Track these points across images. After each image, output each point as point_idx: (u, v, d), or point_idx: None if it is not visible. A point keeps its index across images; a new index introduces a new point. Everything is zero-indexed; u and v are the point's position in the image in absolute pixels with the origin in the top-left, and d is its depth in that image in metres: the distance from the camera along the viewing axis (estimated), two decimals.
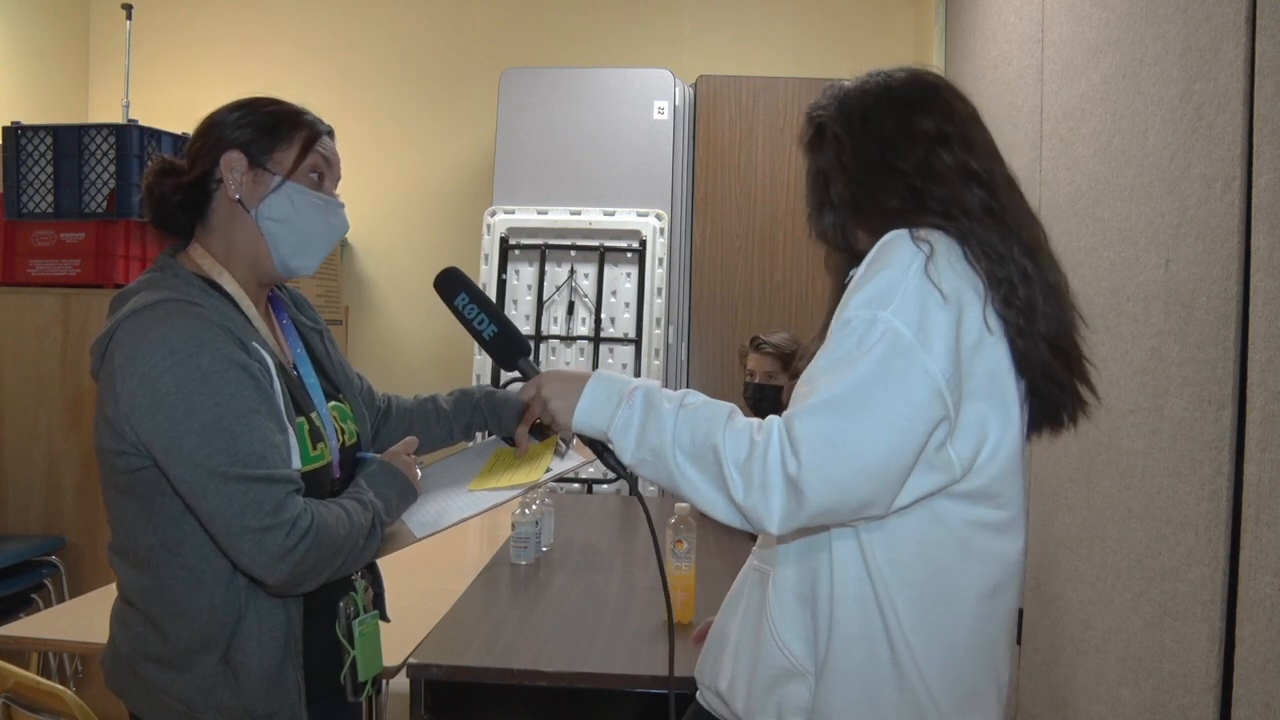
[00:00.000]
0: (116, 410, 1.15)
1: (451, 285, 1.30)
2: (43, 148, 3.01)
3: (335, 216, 1.32)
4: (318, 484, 1.25)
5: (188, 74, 4.29)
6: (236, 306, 1.25)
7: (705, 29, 4.26)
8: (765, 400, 2.73)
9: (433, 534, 1.35)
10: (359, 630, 1.33)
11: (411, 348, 4.33)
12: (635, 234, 3.62)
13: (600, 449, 1.20)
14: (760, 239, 3.77)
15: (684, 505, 1.88)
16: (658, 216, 3.63)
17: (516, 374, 1.30)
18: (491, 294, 3.60)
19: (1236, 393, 1.47)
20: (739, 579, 1.26)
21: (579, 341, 3.64)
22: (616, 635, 1.79)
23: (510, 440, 1.48)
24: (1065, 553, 2.15)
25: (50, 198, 3.01)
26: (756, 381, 2.77)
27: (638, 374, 3.54)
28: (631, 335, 3.61)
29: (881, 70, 1.20)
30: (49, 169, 3.01)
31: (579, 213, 3.66)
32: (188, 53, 4.34)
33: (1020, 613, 2.21)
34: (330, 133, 1.34)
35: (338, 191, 1.34)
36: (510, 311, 3.64)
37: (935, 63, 3.55)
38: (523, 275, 3.68)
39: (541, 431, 1.46)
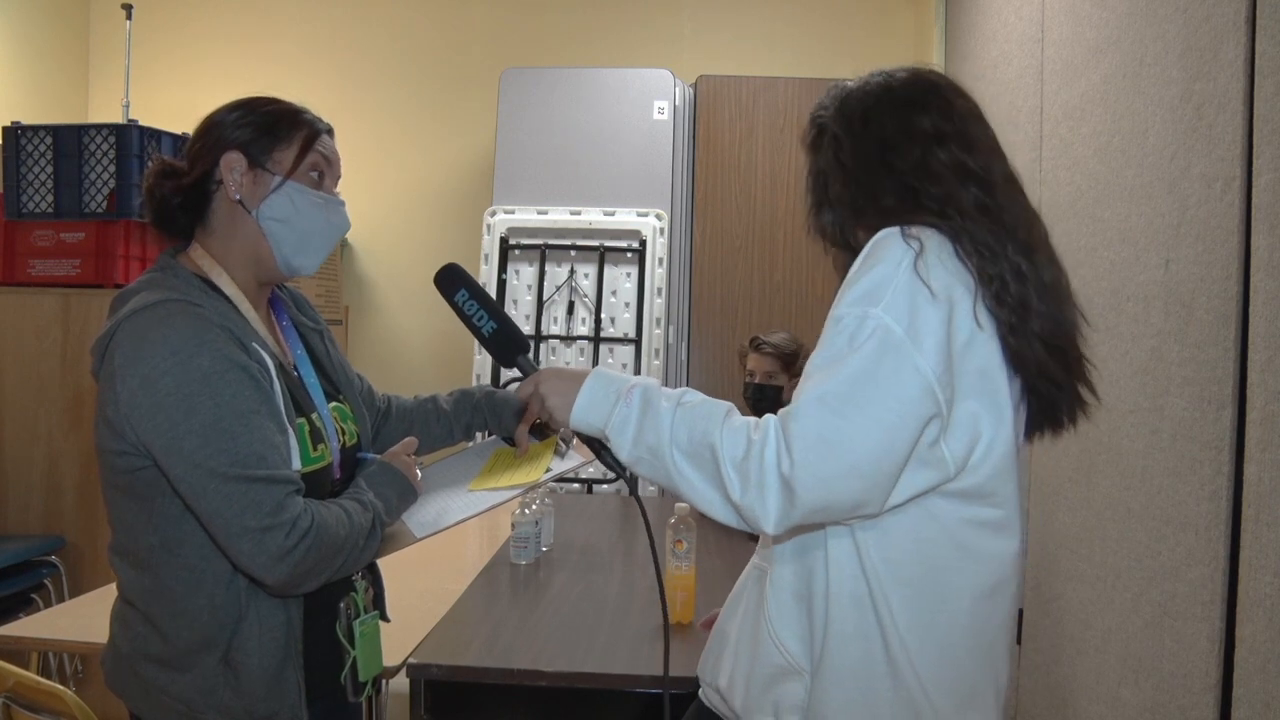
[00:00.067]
0: (117, 410, 1.15)
1: (451, 281, 1.30)
2: (43, 148, 3.01)
3: (336, 215, 1.32)
4: (318, 485, 1.25)
5: (188, 74, 4.29)
6: (236, 308, 1.25)
7: (705, 29, 4.26)
8: (765, 400, 2.73)
9: (433, 534, 1.35)
10: (359, 630, 1.33)
11: (411, 348, 4.33)
12: (635, 234, 3.62)
13: (598, 447, 1.19)
14: (760, 239, 3.77)
15: (684, 505, 1.88)
16: (658, 216, 3.63)
17: (517, 374, 1.30)
18: (492, 294, 3.59)
19: (1236, 393, 1.47)
20: (742, 578, 1.26)
21: (579, 341, 3.64)
22: (616, 635, 1.79)
23: (510, 440, 1.48)
24: (1065, 553, 2.15)
25: (50, 198, 3.01)
26: (756, 381, 2.77)
27: (638, 374, 3.51)
28: (631, 335, 3.61)
29: (884, 70, 1.20)
30: (49, 169, 3.01)
31: (579, 213, 3.66)
32: (188, 53, 4.34)
33: (1020, 613, 2.21)
34: (330, 131, 1.33)
35: (338, 190, 1.34)
36: (510, 311, 3.63)
37: (935, 63, 3.55)
38: (523, 275, 3.68)
39: (541, 431, 1.46)
